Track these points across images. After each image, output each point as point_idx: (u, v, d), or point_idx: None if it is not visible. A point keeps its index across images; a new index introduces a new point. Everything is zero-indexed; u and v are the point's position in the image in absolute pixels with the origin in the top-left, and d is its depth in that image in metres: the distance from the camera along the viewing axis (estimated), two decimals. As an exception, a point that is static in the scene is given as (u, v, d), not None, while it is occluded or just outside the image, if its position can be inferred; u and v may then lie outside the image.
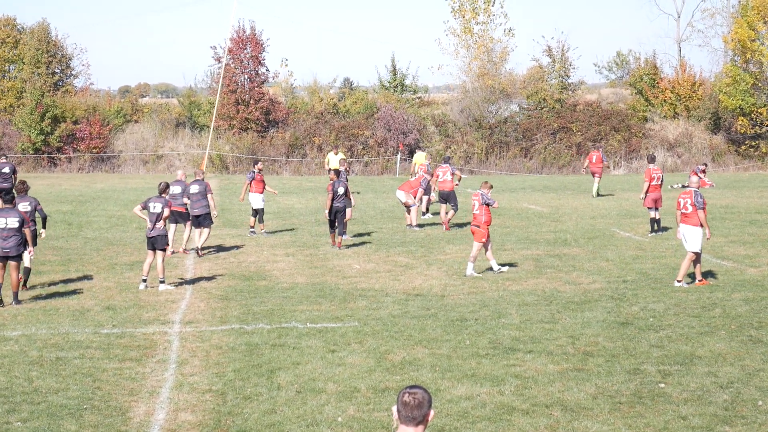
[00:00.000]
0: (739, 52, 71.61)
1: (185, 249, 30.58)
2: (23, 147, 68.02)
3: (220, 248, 31.09)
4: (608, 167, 62.23)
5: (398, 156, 66.83)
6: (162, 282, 24.30)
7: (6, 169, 37.78)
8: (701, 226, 24.04)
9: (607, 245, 31.08)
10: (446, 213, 36.11)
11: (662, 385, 15.63)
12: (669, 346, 18.03)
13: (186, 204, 30.07)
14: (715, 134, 73.03)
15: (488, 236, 26.10)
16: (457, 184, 36.62)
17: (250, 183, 33.71)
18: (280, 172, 68.02)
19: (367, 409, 14.54)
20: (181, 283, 25.08)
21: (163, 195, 25.22)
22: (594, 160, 49.03)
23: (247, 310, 21.62)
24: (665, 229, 34.12)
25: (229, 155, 68.40)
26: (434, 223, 36.95)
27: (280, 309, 21.66)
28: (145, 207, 24.89)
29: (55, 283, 24.95)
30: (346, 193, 30.90)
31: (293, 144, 69.72)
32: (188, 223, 30.13)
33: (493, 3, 76.67)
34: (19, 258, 22.48)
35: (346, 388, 15.59)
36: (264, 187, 33.92)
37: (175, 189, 30.26)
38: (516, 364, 16.88)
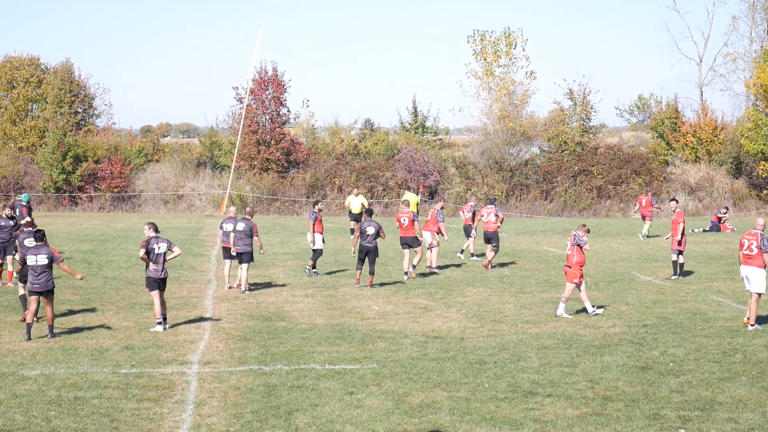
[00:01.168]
0: (761, 97, 71.51)
1: (230, 286, 30.92)
2: (45, 186, 68.33)
3: (256, 285, 31.10)
4: (659, 209, 62.49)
5: (419, 197, 66.90)
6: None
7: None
8: (764, 267, 24.18)
9: (628, 289, 30.97)
10: (491, 252, 36.43)
11: (682, 430, 15.54)
12: (689, 392, 17.92)
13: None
14: (737, 179, 72.86)
15: (581, 276, 26.13)
16: (499, 226, 36.67)
17: (314, 223, 33.85)
18: (300, 212, 68.11)
19: (385, 452, 14.48)
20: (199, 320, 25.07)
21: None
22: (644, 204, 49.98)
23: (265, 350, 21.59)
24: (688, 273, 34.03)
25: (250, 195, 68.54)
26: (455, 265, 36.88)
27: (299, 350, 21.63)
28: (147, 249, 24.93)
29: (74, 322, 24.96)
30: (379, 233, 30.99)
31: (313, 185, 69.85)
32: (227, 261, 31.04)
33: (515, 46, 76.90)
34: (50, 294, 23.26)
35: (364, 430, 15.54)
36: (322, 228, 34.10)
37: (228, 226, 30.79)
38: (535, 408, 16.80)
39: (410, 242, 33.39)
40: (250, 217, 31.18)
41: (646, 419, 16.16)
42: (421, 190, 63.16)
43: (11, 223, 31.82)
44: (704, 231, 53.00)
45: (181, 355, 21.22)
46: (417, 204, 47.97)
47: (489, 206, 37.13)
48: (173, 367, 20.08)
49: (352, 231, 47.51)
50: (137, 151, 72.79)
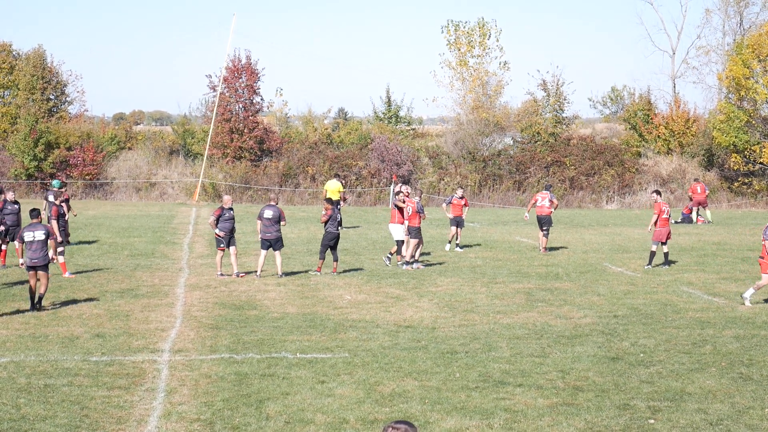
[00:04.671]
0: (734, 90, 71.78)
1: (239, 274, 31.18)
2: (16, 173, 67.99)
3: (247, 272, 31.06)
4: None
5: (392, 187, 66.83)
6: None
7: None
8: None
9: (599, 280, 31.07)
10: (543, 237, 38.47)
11: (652, 421, 15.59)
12: (659, 382, 18.00)
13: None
14: (709, 171, 73.16)
15: None
16: (552, 211, 38.37)
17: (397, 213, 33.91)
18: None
19: (356, 441, 14.49)
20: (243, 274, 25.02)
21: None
22: (699, 191, 54.07)
23: (237, 339, 21.56)
24: (672, 263, 34.20)
25: (222, 184, 68.38)
26: (425, 253, 36.91)
27: (271, 339, 21.61)
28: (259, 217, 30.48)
29: (44, 310, 24.87)
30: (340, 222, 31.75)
31: (287, 174, 69.75)
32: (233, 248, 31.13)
33: (489, 36, 76.98)
34: (46, 268, 24.89)
35: (335, 419, 15.54)
36: (404, 219, 33.99)
37: (267, 213, 31.04)
38: (506, 398, 16.84)
39: (412, 231, 33.49)
40: (275, 204, 31.32)
41: (616, 409, 16.21)
42: (394, 180, 63.12)
43: (17, 207, 32.83)
44: (675, 222, 53.16)
45: (152, 343, 21.17)
46: (339, 192, 47.79)
47: (544, 192, 39.19)
48: (144, 355, 20.03)
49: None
50: (110, 138, 72.50)
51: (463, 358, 19.83)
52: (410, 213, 33.60)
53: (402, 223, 33.84)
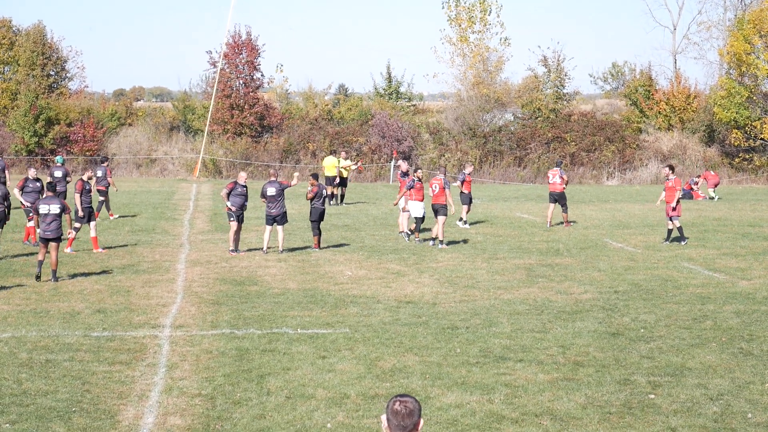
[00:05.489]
0: (735, 65, 71.67)
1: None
2: (17, 149, 67.97)
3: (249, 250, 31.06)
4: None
5: (392, 163, 66.79)
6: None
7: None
8: None
9: (600, 255, 31.08)
10: (563, 213, 39.28)
11: (652, 396, 15.62)
12: (659, 358, 18.02)
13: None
14: (709, 147, 73.10)
15: None
16: (564, 187, 38.81)
17: (410, 191, 33.73)
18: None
19: (357, 416, 14.52)
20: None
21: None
22: (713, 174, 57.99)
23: (238, 315, 21.59)
24: (684, 238, 34.15)
25: (223, 160, 68.37)
26: (427, 229, 36.90)
27: (271, 314, 21.63)
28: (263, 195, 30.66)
29: (46, 285, 24.89)
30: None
31: (287, 150, 69.72)
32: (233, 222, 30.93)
33: (490, 12, 76.77)
34: (58, 240, 25.60)
35: (335, 394, 15.57)
36: (423, 196, 33.91)
37: (270, 191, 31.07)
38: (506, 373, 16.87)
39: (439, 209, 33.08)
40: (275, 179, 31.33)
41: (616, 384, 16.24)
42: (394, 156, 63.08)
43: (38, 185, 32.82)
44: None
45: (153, 318, 21.20)
46: (335, 167, 47.81)
47: (555, 168, 39.63)
48: (145, 330, 20.06)
49: (329, 196, 47.45)
50: (110, 114, 72.48)
51: (463, 334, 19.85)
52: (437, 191, 33.05)
53: (420, 201, 33.62)
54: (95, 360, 17.55)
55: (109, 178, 40.26)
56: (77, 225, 30.83)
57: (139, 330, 20.06)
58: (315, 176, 32.44)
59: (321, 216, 31.92)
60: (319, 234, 32.18)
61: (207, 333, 19.82)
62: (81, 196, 31.14)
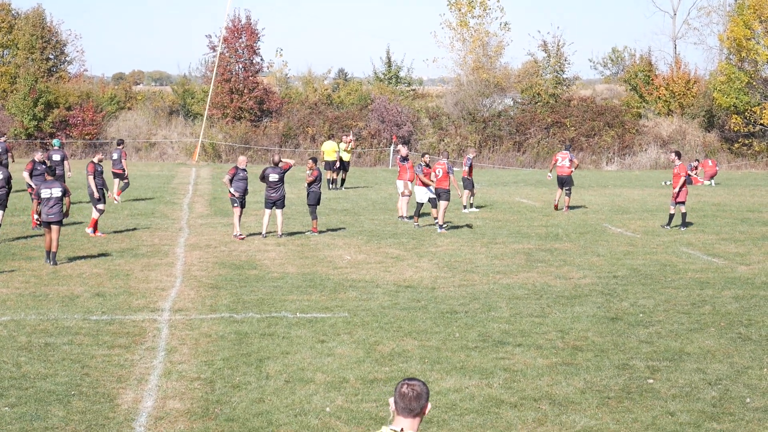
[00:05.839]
0: (735, 51, 71.63)
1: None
2: (16, 132, 67.85)
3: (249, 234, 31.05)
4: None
5: (392, 147, 66.76)
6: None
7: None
8: None
9: (599, 240, 31.09)
10: (565, 197, 38.96)
11: (651, 380, 15.65)
12: (658, 342, 18.05)
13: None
14: (709, 132, 73.07)
15: None
16: (572, 170, 38.90)
17: (418, 176, 33.76)
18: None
19: (356, 400, 14.54)
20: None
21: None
22: (711, 164, 57.59)
23: (237, 299, 21.60)
24: (689, 224, 34.20)
25: (222, 144, 68.32)
26: (426, 214, 36.92)
27: (271, 298, 21.64)
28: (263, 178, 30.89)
29: (45, 269, 24.91)
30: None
31: (286, 134, 69.66)
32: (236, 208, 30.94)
33: (490, -4, 76.60)
34: (60, 223, 25.89)
35: (334, 378, 15.59)
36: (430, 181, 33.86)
37: (273, 177, 31.08)
38: (505, 357, 16.89)
39: (442, 194, 33.04)
40: (277, 164, 31.32)
41: (615, 369, 16.26)
42: (394, 141, 63.05)
43: (45, 167, 32.84)
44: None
45: (152, 302, 21.21)
46: (335, 152, 47.76)
47: (564, 152, 39.65)
48: (144, 314, 20.07)
49: (329, 181, 47.46)
50: (109, 98, 72.39)
51: (462, 318, 19.87)
52: (440, 175, 32.96)
53: (426, 186, 33.44)
54: (94, 343, 17.56)
55: (123, 161, 41.08)
56: (101, 207, 30.86)
57: (138, 314, 20.07)
58: (314, 160, 32.42)
59: (318, 200, 31.88)
60: (316, 218, 32.12)
61: (206, 317, 19.84)
62: (94, 179, 31.15)
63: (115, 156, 41.21)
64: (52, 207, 25.75)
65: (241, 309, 20.57)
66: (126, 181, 41.11)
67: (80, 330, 18.53)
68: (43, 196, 25.81)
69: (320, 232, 31.91)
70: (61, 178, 34.26)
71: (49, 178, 26.72)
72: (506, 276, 24.82)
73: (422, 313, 20.29)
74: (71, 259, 26.43)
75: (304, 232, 32.01)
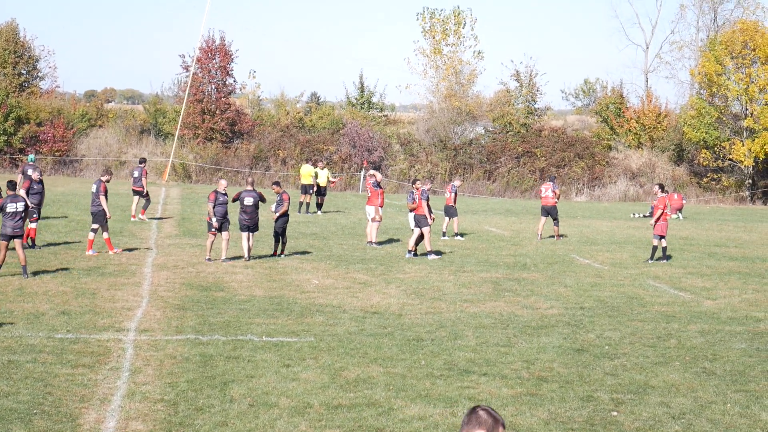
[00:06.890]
0: (705, 86, 72.15)
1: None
2: (-16, 147, 67.59)
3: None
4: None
5: (362, 173, 66.82)
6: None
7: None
8: None
9: (566, 271, 31.16)
10: (554, 226, 39.99)
11: (615, 413, 15.66)
12: (623, 375, 18.07)
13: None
14: (678, 165, 73.54)
15: None
16: (556, 201, 39.74)
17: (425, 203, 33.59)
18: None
19: (320, 425, 14.49)
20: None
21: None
22: (676, 198, 56.54)
23: (203, 320, 21.52)
24: (669, 257, 34.33)
25: (193, 164, 68.22)
26: (395, 240, 36.90)
27: (237, 321, 21.57)
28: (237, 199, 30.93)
29: (11, 285, 24.75)
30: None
31: (257, 156, 69.66)
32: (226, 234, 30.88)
33: (464, 25, 77.06)
34: (21, 237, 26.53)
35: (299, 403, 15.54)
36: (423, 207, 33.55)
37: (248, 200, 31.12)
38: (470, 387, 16.87)
39: (418, 220, 33.01)
40: (252, 189, 31.43)
41: (579, 401, 16.27)
42: (365, 166, 63.10)
43: (41, 187, 33.61)
44: (644, 216, 53.42)
45: (118, 322, 21.10)
46: (310, 176, 47.71)
47: (548, 183, 40.48)
48: (109, 333, 19.96)
49: (300, 204, 47.44)
50: (80, 115, 72.24)
51: (428, 346, 19.85)
52: (416, 202, 33.03)
53: (421, 213, 33.12)
54: (58, 362, 17.45)
55: (144, 179, 41.37)
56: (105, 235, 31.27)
57: (103, 333, 19.96)
58: (277, 183, 32.62)
59: (286, 224, 32.08)
60: (285, 242, 32.24)
61: (171, 338, 19.74)
62: (106, 198, 31.24)
63: (136, 174, 41.59)
64: (17, 221, 26.19)
65: (207, 331, 20.49)
66: (147, 198, 41.19)
67: (44, 348, 18.41)
68: (8, 210, 26.16)
69: (287, 254, 31.88)
70: (41, 194, 33.91)
71: (10, 192, 27.01)
72: (473, 304, 24.82)
73: (388, 340, 20.26)
74: (36, 274, 26.29)
75: (272, 256, 31.96)
